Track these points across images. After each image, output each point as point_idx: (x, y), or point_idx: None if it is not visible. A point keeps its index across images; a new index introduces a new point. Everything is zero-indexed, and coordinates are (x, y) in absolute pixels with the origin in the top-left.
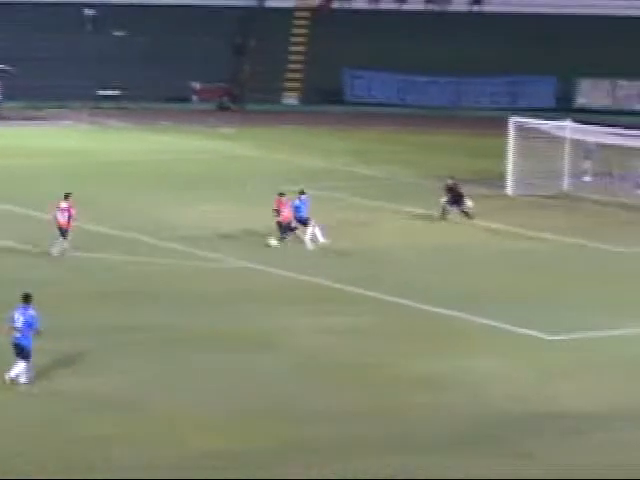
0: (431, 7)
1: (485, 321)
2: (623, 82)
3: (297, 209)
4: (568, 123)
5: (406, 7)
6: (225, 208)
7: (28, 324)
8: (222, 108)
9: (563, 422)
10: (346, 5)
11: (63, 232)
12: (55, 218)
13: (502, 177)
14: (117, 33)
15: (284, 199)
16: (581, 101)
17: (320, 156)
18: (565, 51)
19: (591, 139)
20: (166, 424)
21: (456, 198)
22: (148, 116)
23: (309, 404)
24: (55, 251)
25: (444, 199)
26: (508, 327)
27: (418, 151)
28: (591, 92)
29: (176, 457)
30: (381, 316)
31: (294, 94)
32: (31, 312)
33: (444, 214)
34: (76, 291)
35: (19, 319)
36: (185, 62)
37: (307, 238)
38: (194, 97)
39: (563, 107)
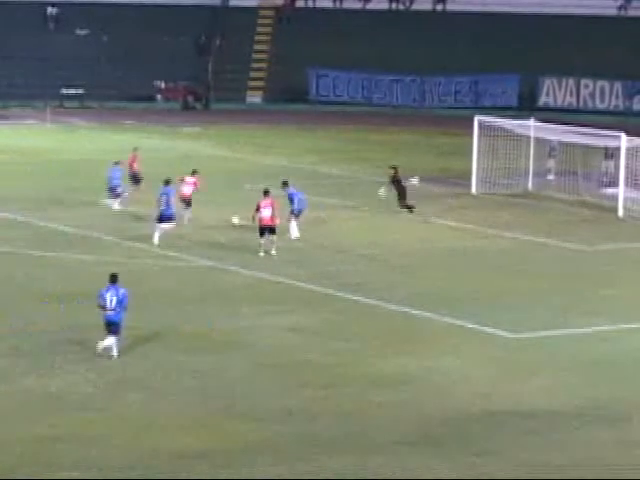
0: (395, 6)
1: (449, 320)
2: (587, 81)
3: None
4: (532, 122)
5: (370, 6)
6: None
7: (119, 301)
8: (186, 107)
9: (526, 421)
10: (310, 4)
11: (187, 202)
12: (180, 191)
13: (466, 176)
14: (80, 32)
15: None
16: (545, 100)
17: (285, 155)
18: (529, 50)
19: (555, 138)
20: (129, 424)
21: (400, 191)
22: (112, 115)
23: (274, 403)
24: (186, 219)
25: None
26: (472, 326)
27: (382, 150)
28: (555, 91)
29: (138, 457)
30: (345, 315)
31: (258, 93)
32: (122, 290)
33: (403, 203)
34: (41, 290)
35: (112, 299)
36: (149, 61)
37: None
38: (158, 96)
39: (527, 106)
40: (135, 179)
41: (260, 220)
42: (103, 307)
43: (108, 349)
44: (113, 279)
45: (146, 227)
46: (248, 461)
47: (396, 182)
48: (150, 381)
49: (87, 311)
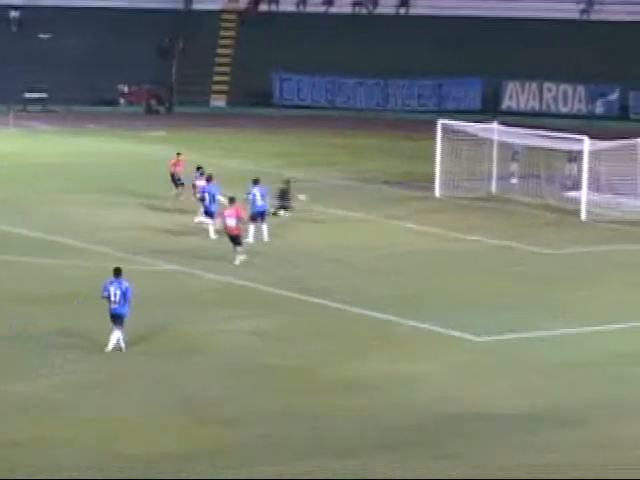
0: (358, 10)
1: (414, 323)
2: (550, 85)
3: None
4: (495, 125)
5: (333, 10)
6: (152, 211)
7: (123, 294)
8: (150, 111)
9: (491, 423)
10: (273, 8)
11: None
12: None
13: (430, 179)
14: (43, 35)
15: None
16: (508, 103)
17: (249, 159)
18: (492, 53)
19: (518, 141)
20: (95, 428)
21: (285, 203)
22: (75, 119)
23: (239, 407)
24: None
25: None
26: (437, 329)
27: (347, 153)
28: (518, 95)
29: (103, 460)
30: (310, 319)
31: (222, 97)
32: (125, 284)
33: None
34: (9, 293)
35: (116, 292)
36: (112, 65)
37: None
38: (122, 100)
39: (490, 109)
40: (177, 183)
41: (225, 229)
42: (107, 299)
43: (118, 342)
44: (117, 272)
45: (111, 231)
46: (214, 465)
47: (284, 194)
48: (115, 385)
49: (51, 315)
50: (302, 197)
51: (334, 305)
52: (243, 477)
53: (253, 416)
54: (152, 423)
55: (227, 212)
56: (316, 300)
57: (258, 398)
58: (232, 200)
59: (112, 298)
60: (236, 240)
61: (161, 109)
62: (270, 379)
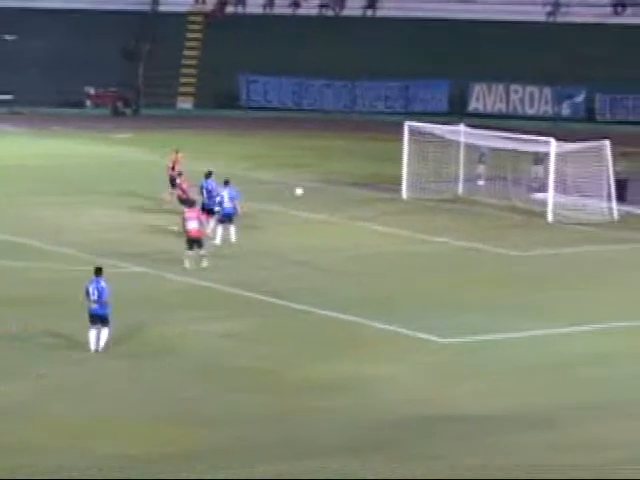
0: (325, 12)
1: (381, 325)
2: (516, 87)
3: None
4: (462, 127)
5: (300, 12)
6: (119, 213)
7: (100, 294)
8: (116, 113)
9: (459, 425)
10: (240, 10)
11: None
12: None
13: (397, 181)
14: (8, 37)
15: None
16: (475, 105)
17: (216, 161)
18: (459, 55)
19: (485, 143)
20: (65, 430)
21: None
22: (41, 121)
23: (210, 409)
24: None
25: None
26: (404, 331)
27: (314, 155)
28: (485, 96)
29: (75, 462)
30: (277, 321)
31: (189, 99)
32: (103, 284)
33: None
34: None
35: (94, 292)
36: (78, 67)
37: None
38: (88, 102)
39: (457, 111)
40: (174, 183)
41: (187, 232)
42: (87, 298)
43: (106, 343)
44: (97, 272)
45: (79, 233)
46: (184, 467)
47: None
48: (80, 387)
49: (20, 317)
50: (299, 191)
51: (301, 307)
52: (212, 478)
53: (224, 418)
54: (122, 425)
55: (188, 214)
56: (283, 302)
57: (231, 400)
58: (192, 204)
59: (91, 297)
60: (198, 243)
61: (128, 111)
62: (240, 381)
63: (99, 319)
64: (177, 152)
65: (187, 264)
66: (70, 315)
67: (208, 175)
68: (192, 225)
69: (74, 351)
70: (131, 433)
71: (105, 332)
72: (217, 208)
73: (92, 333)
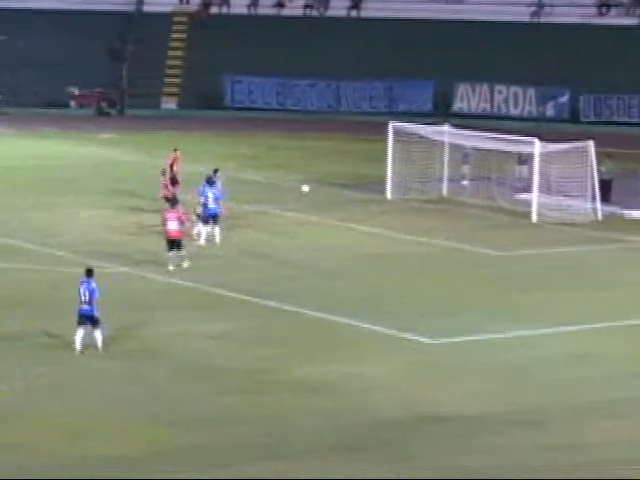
0: (309, 12)
1: (369, 326)
2: (501, 87)
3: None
4: (446, 128)
5: (285, 12)
6: (104, 213)
7: (91, 295)
8: (101, 113)
9: (446, 425)
10: (224, 10)
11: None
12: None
13: (382, 181)
14: None
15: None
16: (459, 106)
17: (200, 161)
18: (443, 56)
19: (469, 144)
20: (52, 431)
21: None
22: (26, 121)
23: (194, 410)
24: None
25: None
26: (390, 332)
27: (298, 156)
28: (469, 97)
29: (61, 463)
30: (264, 322)
31: (173, 99)
32: (93, 285)
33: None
34: None
35: (85, 292)
36: (63, 67)
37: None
38: (72, 102)
39: (441, 112)
40: (174, 181)
41: (166, 233)
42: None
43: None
44: (88, 273)
45: (64, 233)
46: (172, 468)
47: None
48: (71, 388)
49: (4, 319)
50: (305, 188)
51: (288, 307)
52: (201, 478)
53: (213, 418)
54: (109, 426)
55: (168, 215)
56: (271, 303)
57: (216, 401)
58: (174, 204)
59: (81, 298)
60: (177, 244)
61: (112, 111)
62: (228, 382)
63: (89, 320)
64: (176, 150)
65: (170, 266)
66: (55, 316)
67: (214, 173)
68: (172, 226)
69: (62, 351)
70: (119, 433)
71: (98, 333)
72: (199, 210)
73: (79, 333)
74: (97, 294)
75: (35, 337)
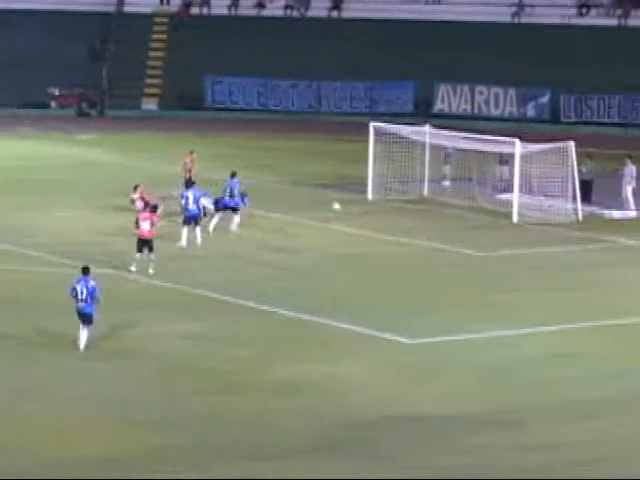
0: (290, 13)
1: (347, 326)
2: (481, 88)
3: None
4: (427, 128)
5: (265, 13)
6: (84, 214)
7: (89, 293)
8: (81, 114)
9: (425, 425)
10: (205, 11)
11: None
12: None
13: (362, 182)
14: None
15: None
16: (440, 106)
17: (182, 162)
18: (423, 56)
19: (450, 144)
20: (25, 432)
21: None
22: (6, 122)
23: (171, 410)
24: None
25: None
26: (369, 332)
27: (279, 156)
28: (450, 97)
29: (35, 464)
30: (242, 322)
31: (154, 100)
32: (92, 283)
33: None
34: None
35: (82, 291)
36: (43, 68)
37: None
38: (52, 103)
39: (422, 112)
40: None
41: (138, 232)
42: (75, 297)
43: (81, 340)
44: (85, 271)
45: (44, 234)
46: (148, 469)
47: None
48: (45, 389)
49: None
50: (337, 206)
51: (266, 308)
52: (177, 478)
53: (191, 419)
54: (84, 427)
55: (142, 215)
56: (250, 303)
57: (193, 402)
58: (149, 205)
59: (79, 297)
60: (149, 246)
61: (93, 112)
62: (207, 382)
63: (85, 317)
64: (192, 153)
65: (133, 267)
66: (30, 315)
67: (233, 175)
68: (144, 226)
69: (33, 351)
70: (96, 434)
71: (85, 332)
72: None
73: (83, 334)
74: (97, 292)
75: (12, 338)
